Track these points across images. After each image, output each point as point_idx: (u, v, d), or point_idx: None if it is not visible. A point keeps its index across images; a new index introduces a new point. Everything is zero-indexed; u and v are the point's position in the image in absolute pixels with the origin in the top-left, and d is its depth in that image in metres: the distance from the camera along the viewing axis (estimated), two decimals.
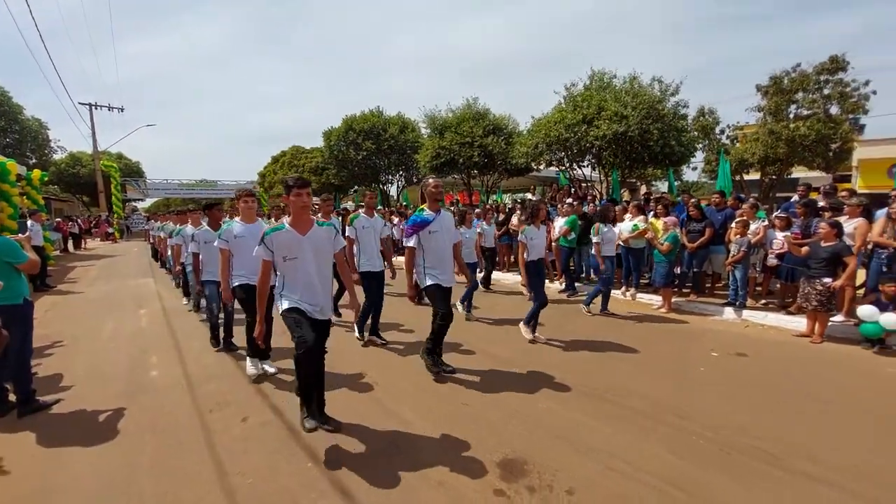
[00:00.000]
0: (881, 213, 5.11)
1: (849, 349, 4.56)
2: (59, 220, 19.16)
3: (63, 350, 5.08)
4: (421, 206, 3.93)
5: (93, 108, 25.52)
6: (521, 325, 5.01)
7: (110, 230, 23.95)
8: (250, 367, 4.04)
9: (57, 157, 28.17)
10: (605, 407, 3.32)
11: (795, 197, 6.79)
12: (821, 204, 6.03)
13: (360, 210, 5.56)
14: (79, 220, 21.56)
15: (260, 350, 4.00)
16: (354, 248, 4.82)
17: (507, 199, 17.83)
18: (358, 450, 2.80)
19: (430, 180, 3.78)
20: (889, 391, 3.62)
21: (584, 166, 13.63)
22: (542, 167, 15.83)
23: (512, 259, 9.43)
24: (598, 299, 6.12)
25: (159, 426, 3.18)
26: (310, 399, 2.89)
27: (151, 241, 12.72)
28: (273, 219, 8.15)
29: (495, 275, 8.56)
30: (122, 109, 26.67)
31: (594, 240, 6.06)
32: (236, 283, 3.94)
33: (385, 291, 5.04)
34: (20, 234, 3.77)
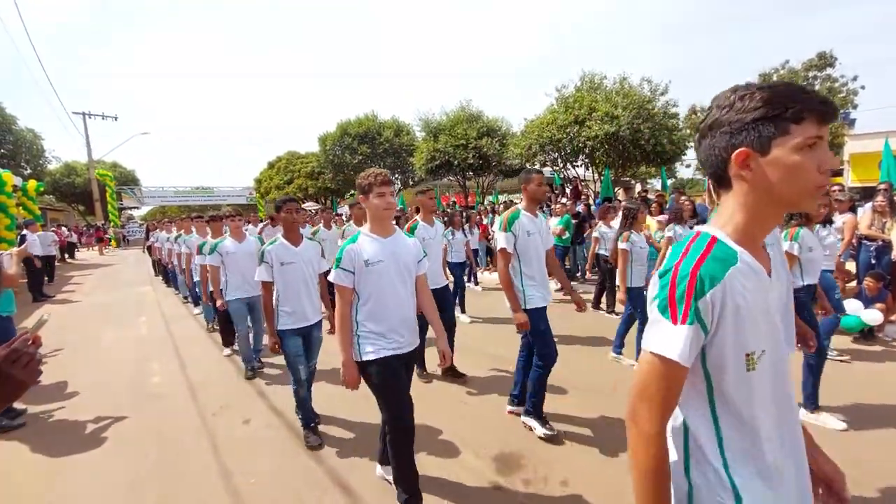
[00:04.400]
0: (867, 207, 5.22)
1: (836, 339, 4.66)
2: (54, 228, 19.12)
3: (64, 358, 5.13)
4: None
5: (86, 117, 25.54)
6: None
7: (107, 236, 23.90)
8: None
9: (52, 167, 28.08)
10: (600, 401, 3.39)
11: None
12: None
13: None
14: (71, 230, 21.52)
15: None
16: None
17: (501, 199, 17.92)
18: (360, 447, 2.88)
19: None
20: (868, 384, 3.71)
21: (577, 166, 13.77)
22: (536, 167, 15.94)
23: None
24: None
25: (163, 431, 3.25)
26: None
27: (159, 255, 9.39)
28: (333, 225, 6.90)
29: (492, 276, 8.74)
30: (116, 118, 26.71)
31: (623, 246, 4.03)
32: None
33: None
34: (13, 249, 3.80)
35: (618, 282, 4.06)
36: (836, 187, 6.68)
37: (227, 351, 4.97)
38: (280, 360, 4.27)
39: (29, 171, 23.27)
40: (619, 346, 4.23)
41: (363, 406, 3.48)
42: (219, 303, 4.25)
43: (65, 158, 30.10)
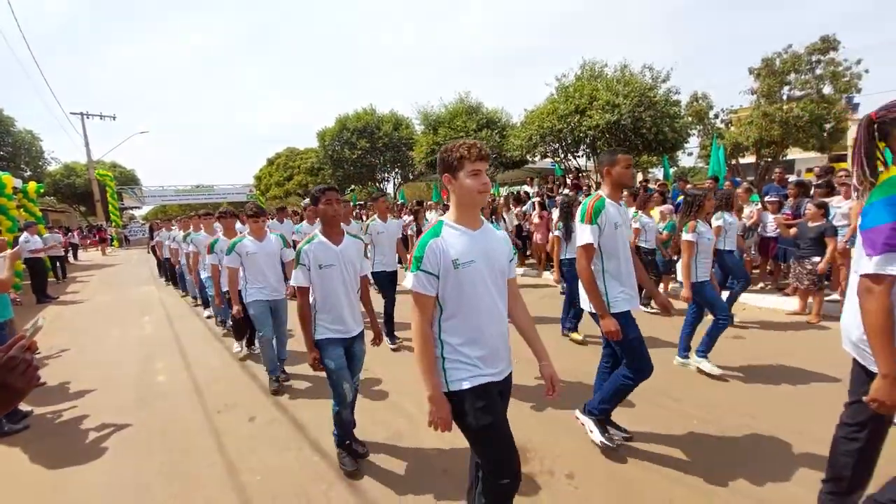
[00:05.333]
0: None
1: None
2: (57, 229, 19.17)
3: (69, 359, 5.15)
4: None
5: (84, 117, 25.45)
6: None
7: (109, 236, 23.96)
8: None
9: (51, 168, 28.11)
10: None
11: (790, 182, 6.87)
12: (815, 183, 6.11)
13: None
14: (73, 231, 21.58)
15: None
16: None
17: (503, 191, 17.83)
18: (364, 439, 2.88)
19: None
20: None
21: (578, 156, 13.65)
22: (537, 159, 15.85)
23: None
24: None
25: (169, 430, 3.25)
26: None
27: (167, 255, 8.90)
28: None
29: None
30: (115, 117, 26.61)
31: (688, 237, 3.59)
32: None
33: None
34: (7, 252, 3.79)
35: (680, 277, 3.64)
36: (842, 172, 6.62)
37: (239, 347, 4.77)
38: (307, 371, 4.07)
39: (29, 172, 23.29)
40: (685, 349, 3.80)
41: (367, 402, 3.49)
42: (234, 308, 3.88)
43: (64, 159, 30.05)
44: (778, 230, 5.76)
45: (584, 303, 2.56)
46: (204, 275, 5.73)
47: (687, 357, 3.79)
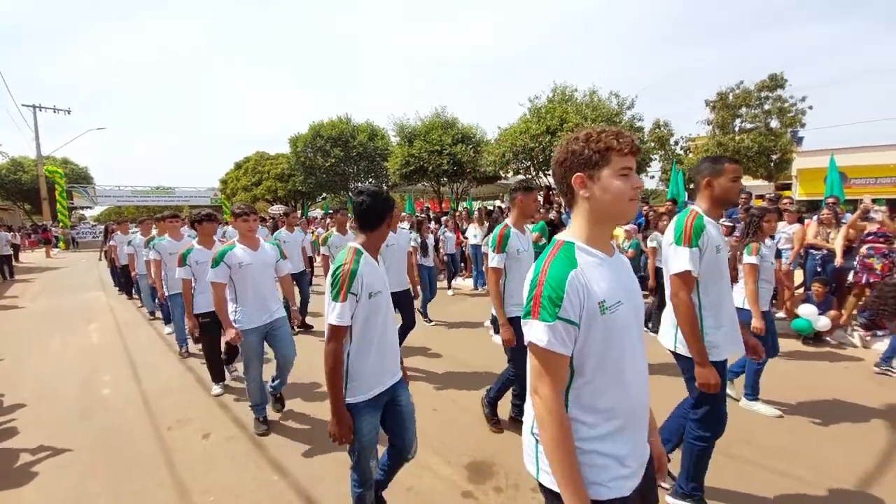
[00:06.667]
0: (814, 219, 5.63)
1: (785, 342, 4.96)
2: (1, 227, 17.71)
3: (4, 370, 4.71)
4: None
5: (37, 109, 23.91)
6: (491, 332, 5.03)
7: (54, 237, 22.33)
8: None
9: None
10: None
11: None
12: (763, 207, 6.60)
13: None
14: (15, 232, 20.01)
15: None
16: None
17: (475, 205, 18.10)
18: (327, 458, 2.78)
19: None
20: (824, 378, 3.96)
21: (549, 175, 14.09)
22: (509, 175, 16.23)
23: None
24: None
25: (114, 447, 3.03)
26: None
27: (125, 262, 7.49)
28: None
29: (456, 280, 8.83)
30: (69, 111, 25.12)
31: (751, 261, 3.15)
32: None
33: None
34: None
35: (746, 304, 3.12)
36: (785, 200, 7.16)
37: (218, 389, 3.85)
38: (309, 409, 3.56)
39: None
40: (753, 392, 3.31)
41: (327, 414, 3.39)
42: (230, 334, 2.96)
43: (12, 154, 28.06)
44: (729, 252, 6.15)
45: (669, 340, 2.12)
46: (173, 291, 4.72)
47: (757, 399, 3.31)
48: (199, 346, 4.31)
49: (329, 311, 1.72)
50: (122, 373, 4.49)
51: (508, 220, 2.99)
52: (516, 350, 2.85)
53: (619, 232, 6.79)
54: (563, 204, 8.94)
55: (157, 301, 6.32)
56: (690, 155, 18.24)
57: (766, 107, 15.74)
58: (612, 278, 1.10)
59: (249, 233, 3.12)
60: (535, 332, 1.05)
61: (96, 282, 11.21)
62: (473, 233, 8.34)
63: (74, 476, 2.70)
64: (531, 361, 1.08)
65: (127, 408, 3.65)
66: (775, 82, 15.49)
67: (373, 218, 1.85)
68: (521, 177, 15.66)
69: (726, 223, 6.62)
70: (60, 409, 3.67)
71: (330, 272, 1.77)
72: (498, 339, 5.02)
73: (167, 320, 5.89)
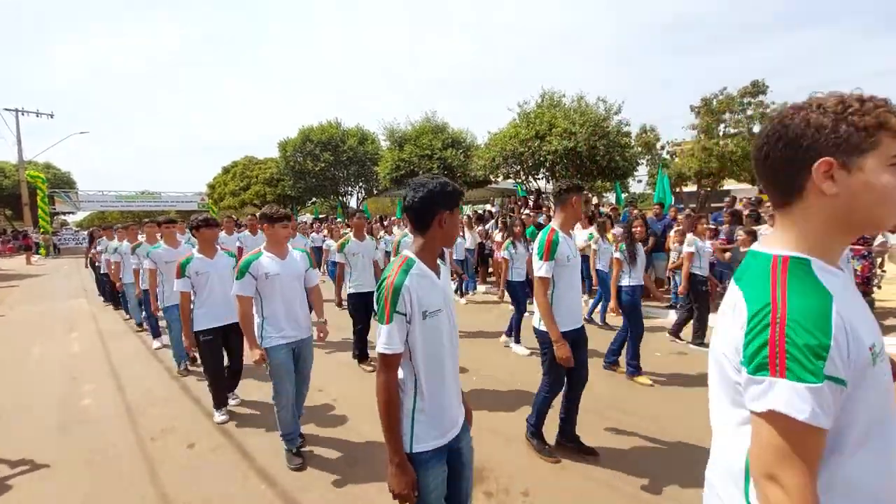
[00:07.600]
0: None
1: None
2: None
3: None
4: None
5: (19, 113, 23.40)
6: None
7: (34, 243, 21.78)
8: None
9: None
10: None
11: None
12: (745, 212, 6.75)
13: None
14: None
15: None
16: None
17: (467, 209, 18.15)
18: (316, 464, 2.75)
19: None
20: None
21: (538, 179, 14.21)
22: (499, 179, 16.33)
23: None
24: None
25: (96, 459, 2.95)
26: None
27: (107, 269, 7.23)
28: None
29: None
30: (52, 115, 24.63)
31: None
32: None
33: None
34: None
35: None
36: (768, 203, 7.34)
37: (222, 417, 3.40)
38: (255, 394, 3.78)
39: None
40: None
41: (322, 423, 3.34)
42: (256, 355, 2.66)
43: None
44: (715, 255, 6.26)
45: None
46: (170, 303, 4.39)
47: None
48: (200, 362, 3.83)
49: (377, 336, 1.41)
50: (104, 383, 4.38)
51: (554, 224, 2.69)
52: (553, 364, 2.60)
53: (608, 236, 6.83)
54: (756, 202, 7.88)
55: (143, 313, 5.86)
56: (676, 159, 18.58)
57: (749, 112, 16.10)
58: (863, 306, 0.81)
59: (285, 240, 2.78)
60: (787, 398, 0.71)
61: (78, 289, 10.95)
62: (460, 238, 8.21)
63: (54, 490, 2.62)
64: (767, 436, 0.74)
65: (109, 418, 3.56)
66: (757, 88, 15.86)
67: (421, 215, 1.44)
68: (510, 181, 15.79)
69: (709, 227, 6.75)
70: (41, 421, 3.56)
71: (376, 287, 1.46)
72: (518, 349, 4.98)
73: (155, 334, 5.53)
